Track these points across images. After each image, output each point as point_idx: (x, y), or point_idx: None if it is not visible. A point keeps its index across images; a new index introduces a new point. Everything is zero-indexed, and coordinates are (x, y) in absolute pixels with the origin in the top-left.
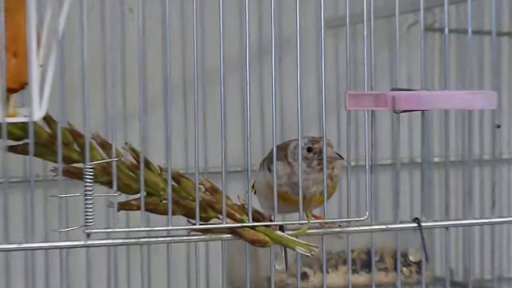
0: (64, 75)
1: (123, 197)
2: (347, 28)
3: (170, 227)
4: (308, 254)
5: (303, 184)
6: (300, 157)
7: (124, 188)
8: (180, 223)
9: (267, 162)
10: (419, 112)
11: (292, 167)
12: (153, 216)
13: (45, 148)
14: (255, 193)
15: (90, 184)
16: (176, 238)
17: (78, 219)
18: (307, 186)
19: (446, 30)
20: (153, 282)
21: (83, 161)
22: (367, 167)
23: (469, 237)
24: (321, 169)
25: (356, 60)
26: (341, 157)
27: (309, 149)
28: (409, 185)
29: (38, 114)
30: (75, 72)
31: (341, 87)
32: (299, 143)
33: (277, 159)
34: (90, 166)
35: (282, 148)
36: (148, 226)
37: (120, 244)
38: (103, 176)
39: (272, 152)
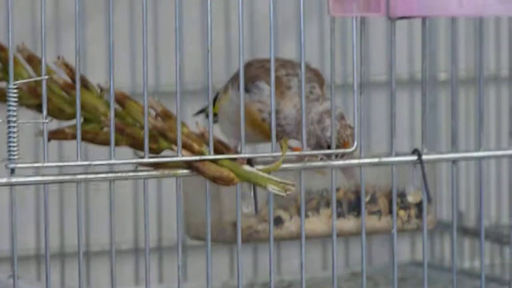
0: None
1: (54, 124)
2: None
3: (112, 161)
4: (282, 193)
5: (291, 128)
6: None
7: (56, 113)
8: (125, 155)
9: (246, 80)
10: (420, 20)
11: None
12: (91, 147)
13: None
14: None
15: (14, 108)
16: (120, 174)
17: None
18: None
19: None
20: (92, 227)
21: (6, 80)
22: (355, 86)
23: (482, 173)
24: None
25: None
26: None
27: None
28: (408, 109)
29: None
30: None
31: None
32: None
33: (262, 80)
34: (15, 86)
35: (265, 69)
36: (86, 160)
37: (52, 182)
38: (30, 99)
39: (250, 70)
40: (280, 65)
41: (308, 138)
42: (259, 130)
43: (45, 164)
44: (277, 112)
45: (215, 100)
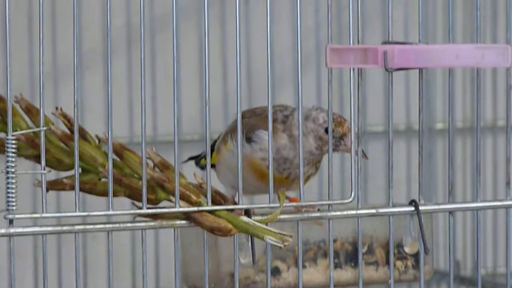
0: None
1: (52, 175)
2: None
3: (111, 212)
4: (280, 244)
5: (292, 161)
6: (300, 129)
7: (54, 164)
8: (123, 206)
9: (246, 130)
10: (417, 69)
11: (290, 138)
12: (89, 197)
13: None
14: (201, 167)
15: (13, 159)
16: (118, 225)
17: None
18: (296, 166)
19: None
20: (90, 278)
21: (4, 130)
22: (352, 136)
23: (479, 223)
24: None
25: (340, 3)
26: (365, 156)
27: (327, 130)
28: (405, 159)
29: None
30: None
31: (322, 36)
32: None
33: (260, 128)
34: (13, 137)
35: (264, 116)
36: (84, 211)
37: (51, 233)
38: (29, 149)
39: (251, 118)
40: (277, 110)
41: (306, 136)
42: (266, 179)
43: (44, 215)
44: (278, 153)
45: (212, 149)
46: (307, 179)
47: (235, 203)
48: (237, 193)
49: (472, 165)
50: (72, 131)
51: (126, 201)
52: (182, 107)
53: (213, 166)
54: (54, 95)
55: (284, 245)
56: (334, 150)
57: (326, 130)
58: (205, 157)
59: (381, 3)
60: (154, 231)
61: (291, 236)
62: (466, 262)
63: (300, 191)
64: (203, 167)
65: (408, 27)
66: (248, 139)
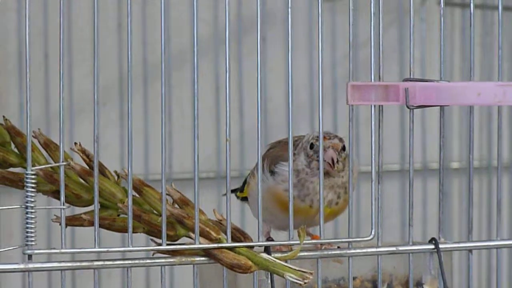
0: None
1: (68, 211)
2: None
3: (130, 248)
4: (300, 282)
5: (311, 189)
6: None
7: (72, 199)
8: (140, 242)
9: (269, 163)
10: (433, 108)
11: (297, 165)
12: (105, 233)
13: None
14: (241, 199)
15: (33, 194)
16: (137, 261)
17: (12, 236)
18: (316, 191)
19: (472, 5)
20: None
21: (22, 165)
22: (373, 175)
23: (499, 261)
24: (337, 174)
25: (357, 40)
26: (332, 166)
27: (312, 146)
28: (421, 197)
29: None
30: (11, 56)
31: (338, 74)
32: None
33: (283, 159)
34: (32, 172)
35: (286, 146)
36: (101, 246)
37: (69, 269)
38: (47, 184)
39: (272, 149)
40: (297, 140)
41: (299, 154)
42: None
43: (63, 250)
44: (313, 182)
45: (244, 184)
46: (332, 210)
47: (269, 239)
48: (271, 227)
49: (488, 204)
50: (90, 167)
51: (144, 237)
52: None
53: (246, 199)
54: (70, 131)
55: (305, 283)
56: (313, 164)
57: (311, 146)
58: (239, 190)
59: (397, 41)
60: (169, 268)
61: (311, 274)
62: None
63: (320, 228)
64: (241, 199)
65: (425, 65)
66: (271, 172)
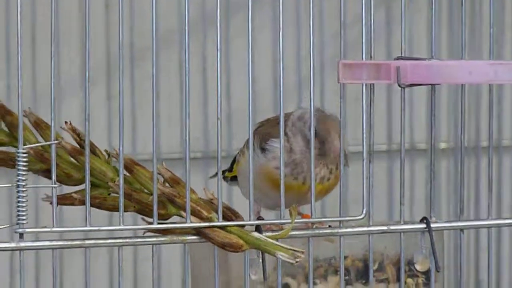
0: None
1: (57, 190)
2: None
3: (122, 227)
4: (292, 261)
5: (303, 166)
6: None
7: (63, 178)
8: (127, 222)
9: (259, 140)
10: (420, 87)
11: (291, 144)
12: (93, 212)
13: None
14: (229, 179)
15: (24, 173)
16: (128, 240)
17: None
18: (307, 168)
19: None
20: None
21: (12, 145)
22: (364, 154)
23: (490, 240)
24: (323, 155)
25: (345, 20)
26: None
27: (316, 134)
28: (409, 177)
29: None
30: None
31: (326, 54)
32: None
33: (273, 136)
34: (24, 150)
35: (276, 123)
36: (91, 225)
37: (61, 247)
38: (37, 163)
39: (261, 127)
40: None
41: (295, 136)
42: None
43: (54, 229)
44: (289, 158)
45: (233, 164)
46: (323, 187)
47: (260, 217)
48: (261, 206)
49: (475, 185)
50: (81, 146)
51: (133, 216)
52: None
53: (235, 178)
54: (58, 110)
55: (296, 262)
56: (320, 154)
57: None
58: (227, 171)
59: (384, 21)
60: (157, 247)
61: (303, 252)
62: (469, 281)
63: (311, 206)
64: (227, 180)
65: (413, 45)
66: (262, 149)
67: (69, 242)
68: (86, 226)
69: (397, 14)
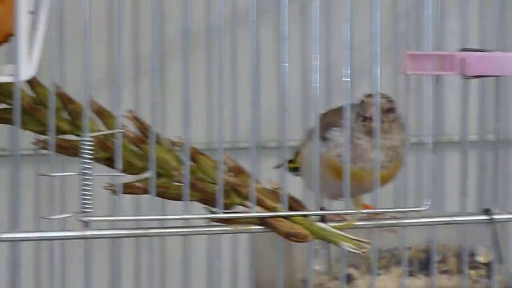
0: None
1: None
2: None
3: (187, 216)
4: (358, 251)
5: (363, 150)
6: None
7: (125, 167)
8: (194, 211)
9: (322, 130)
10: (492, 78)
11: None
12: (163, 201)
13: (26, 115)
14: (291, 170)
15: (89, 161)
16: (194, 229)
17: (72, 204)
18: (368, 155)
19: None
20: (166, 280)
21: (74, 133)
22: (430, 144)
23: None
24: (384, 135)
25: (396, 11)
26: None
27: (359, 115)
28: (476, 168)
29: (27, 73)
30: (70, 22)
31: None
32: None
33: (335, 126)
34: (89, 138)
35: (339, 113)
36: (159, 214)
37: (125, 236)
38: (99, 152)
39: (325, 117)
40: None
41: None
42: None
43: (120, 218)
44: (364, 146)
45: (296, 155)
46: (382, 175)
47: (322, 209)
48: (325, 199)
49: None
50: (144, 134)
51: (197, 206)
52: (261, 113)
53: (296, 169)
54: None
55: (363, 252)
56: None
57: (357, 115)
58: (291, 161)
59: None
60: (229, 236)
61: (368, 243)
62: None
63: (375, 200)
64: (291, 171)
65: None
66: (324, 138)
67: (134, 231)
68: (151, 215)
69: (448, 5)
